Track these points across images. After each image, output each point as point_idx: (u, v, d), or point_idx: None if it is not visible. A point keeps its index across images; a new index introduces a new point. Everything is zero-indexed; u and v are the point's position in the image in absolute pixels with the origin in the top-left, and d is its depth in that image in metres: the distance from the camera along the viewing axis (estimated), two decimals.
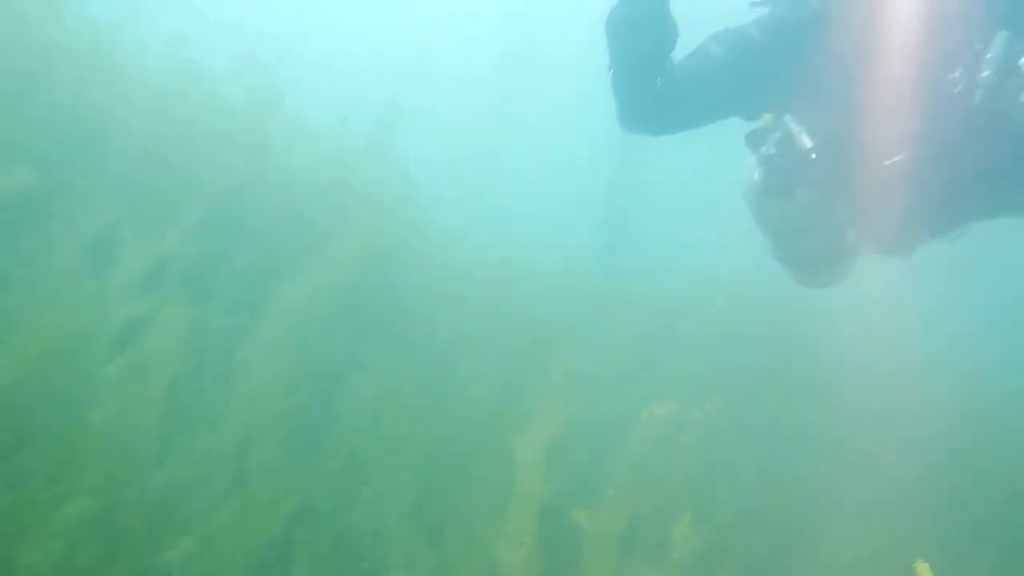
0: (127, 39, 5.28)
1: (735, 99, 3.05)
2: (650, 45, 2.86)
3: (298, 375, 3.57)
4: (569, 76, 16.04)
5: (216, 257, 4.12)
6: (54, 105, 4.22)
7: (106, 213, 3.61)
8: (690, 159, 10.14)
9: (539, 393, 3.99)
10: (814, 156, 2.87)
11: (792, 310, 5.86)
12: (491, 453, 3.80)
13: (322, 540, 3.27)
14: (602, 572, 3.21)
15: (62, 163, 3.96)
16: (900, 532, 4.25)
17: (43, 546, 2.48)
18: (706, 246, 9.35)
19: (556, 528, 3.33)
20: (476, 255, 6.33)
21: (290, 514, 3.23)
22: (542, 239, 7.87)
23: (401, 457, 3.59)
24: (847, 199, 3.09)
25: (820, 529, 4.48)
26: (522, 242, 6.86)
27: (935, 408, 5.19)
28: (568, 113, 15.72)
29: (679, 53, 2.98)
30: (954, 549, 4.35)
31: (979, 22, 2.68)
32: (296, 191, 5.09)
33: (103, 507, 2.68)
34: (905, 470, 4.80)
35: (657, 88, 2.90)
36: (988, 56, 2.63)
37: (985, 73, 2.63)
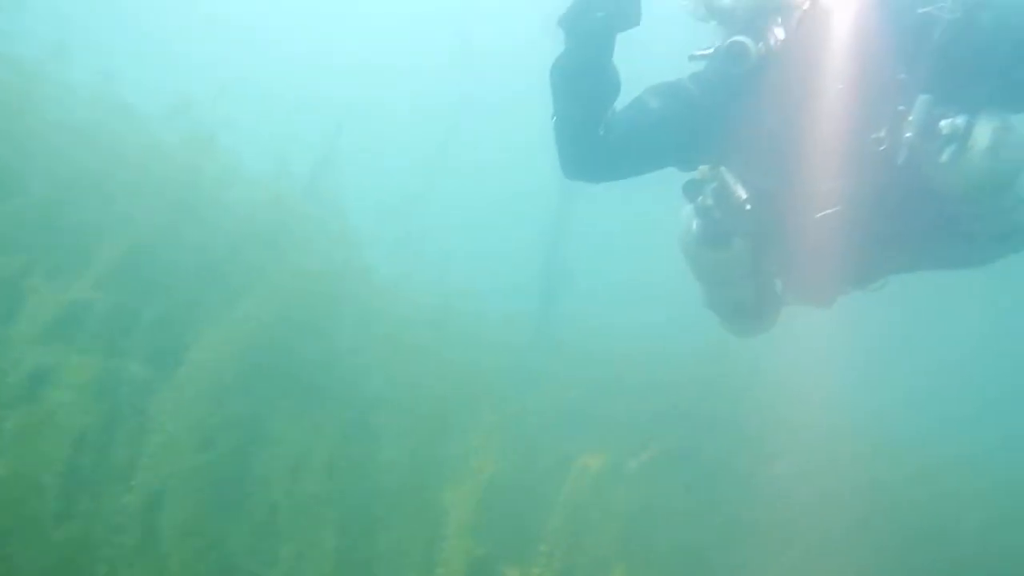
0: (50, 79, 5.10)
1: (672, 150, 3.07)
2: (593, 94, 2.89)
3: (215, 427, 3.42)
4: (511, 123, 16.24)
5: (133, 304, 3.95)
6: None
7: (15, 259, 3.43)
8: (628, 207, 10.26)
9: (472, 444, 3.91)
10: (748, 207, 2.91)
11: (727, 360, 5.91)
12: (419, 507, 3.70)
13: None
14: None
15: None
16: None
17: None
18: (643, 294, 9.43)
19: None
20: (414, 299, 6.25)
21: (206, 574, 3.06)
22: (482, 284, 7.82)
23: (323, 513, 3.45)
24: (777, 250, 3.14)
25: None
26: (461, 287, 6.80)
27: (862, 462, 5.26)
28: (509, 159, 15.87)
29: (620, 103, 3.01)
30: None
31: (901, 85, 2.74)
32: (226, 233, 4.96)
33: None
34: (834, 518, 4.83)
35: (599, 137, 2.93)
36: (911, 118, 2.69)
37: (908, 134, 2.68)
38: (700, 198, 3.00)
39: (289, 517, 3.50)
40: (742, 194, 2.91)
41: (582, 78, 2.86)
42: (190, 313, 4.04)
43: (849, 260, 3.06)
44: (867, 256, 3.06)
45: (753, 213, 2.91)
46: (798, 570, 4.38)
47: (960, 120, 2.61)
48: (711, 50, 2.80)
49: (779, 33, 2.69)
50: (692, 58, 2.91)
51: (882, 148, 2.74)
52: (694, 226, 3.04)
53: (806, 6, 2.70)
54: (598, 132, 2.92)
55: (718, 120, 2.96)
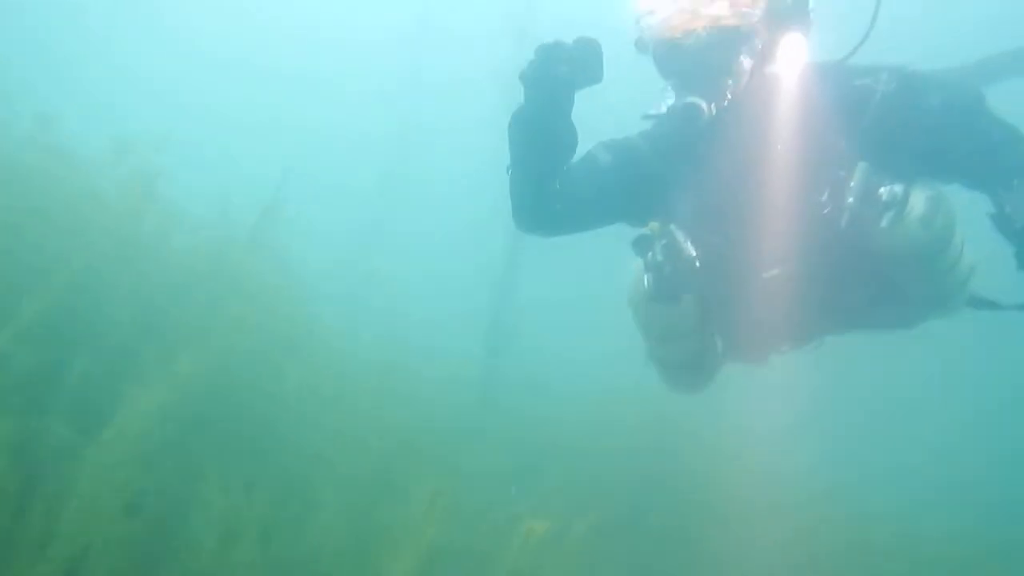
0: None
1: (622, 205, 3.11)
2: (551, 148, 2.92)
3: (142, 491, 3.23)
4: (459, 182, 16.34)
5: (59, 359, 3.76)
6: None
7: None
8: (574, 264, 10.31)
9: (414, 507, 3.79)
10: (698, 265, 2.93)
11: (676, 424, 5.90)
12: (358, 574, 3.55)
13: None
14: None
15: None
16: None
17: None
18: (589, 351, 9.42)
19: None
20: (358, 354, 6.13)
21: None
22: (426, 341, 7.72)
23: None
24: (723, 308, 3.16)
25: None
26: (407, 341, 6.70)
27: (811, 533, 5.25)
28: (455, 215, 15.93)
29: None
30: None
31: (842, 151, 2.82)
32: (164, 284, 4.79)
33: None
34: None
35: (555, 190, 2.93)
36: (852, 184, 2.76)
37: (850, 199, 2.75)
38: (650, 254, 3.00)
39: None
40: (691, 251, 2.94)
41: (541, 132, 2.89)
42: (121, 369, 3.85)
43: (791, 320, 3.11)
44: (808, 316, 3.11)
45: (702, 271, 2.92)
46: None
47: (898, 188, 2.69)
48: (664, 109, 2.82)
49: (730, 96, 2.74)
50: (646, 117, 2.94)
51: (825, 211, 2.81)
52: (645, 282, 3.04)
53: (756, 71, 2.77)
54: (554, 185, 2.95)
55: (667, 178, 3.03)
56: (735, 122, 2.80)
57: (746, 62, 2.75)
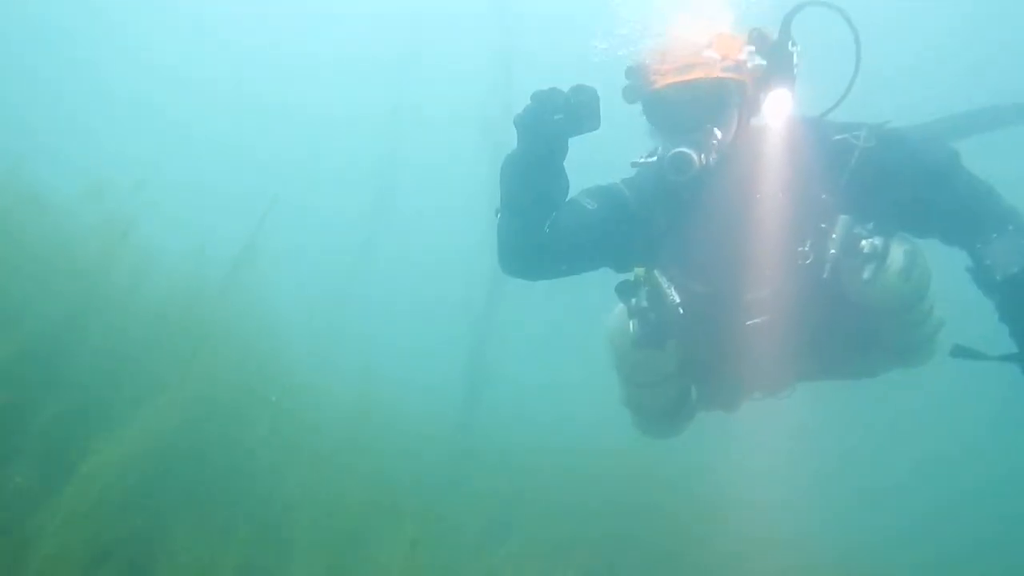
0: None
1: (607, 251, 3.11)
2: (542, 194, 2.91)
3: (104, 545, 3.13)
4: (438, 221, 16.36)
5: (23, 407, 3.66)
6: None
7: None
8: (554, 307, 10.33)
9: (390, 557, 3.72)
10: (681, 311, 2.94)
11: (655, 478, 5.85)
12: None
13: None
14: None
15: None
16: None
17: None
18: (566, 395, 9.39)
19: None
20: (334, 398, 6.04)
21: None
22: (403, 384, 7.64)
23: None
24: (703, 355, 3.16)
25: None
26: (382, 388, 6.60)
27: None
28: (436, 257, 15.91)
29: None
30: None
31: (824, 203, 2.86)
32: (136, 328, 4.70)
33: None
34: None
35: (544, 235, 2.94)
36: (833, 236, 2.81)
37: (832, 251, 2.80)
38: (634, 300, 3.02)
39: None
40: (675, 298, 2.96)
41: (533, 178, 2.88)
42: (91, 414, 3.76)
43: (770, 367, 3.13)
44: (786, 364, 3.14)
45: (685, 317, 2.92)
46: None
47: (878, 241, 2.77)
48: (654, 158, 2.85)
49: (717, 146, 2.78)
50: (634, 164, 2.97)
51: (808, 261, 2.85)
52: (631, 327, 3.04)
53: (742, 124, 2.83)
54: (543, 230, 2.93)
55: (653, 225, 3.03)
56: (721, 172, 2.83)
57: (734, 114, 2.81)
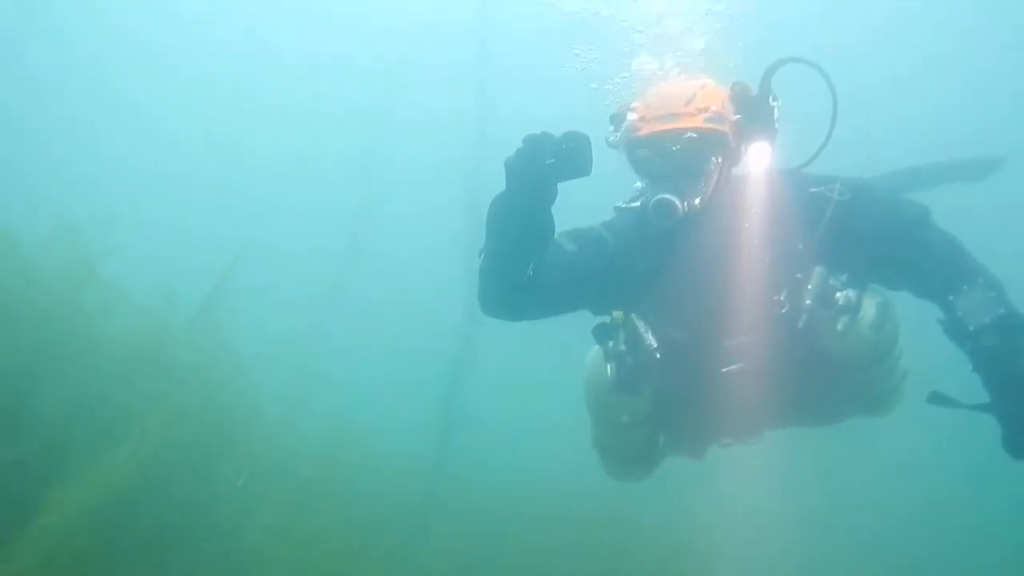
0: None
1: (585, 294, 3.12)
2: (528, 237, 2.89)
3: None
4: (411, 262, 16.32)
5: None
6: None
7: None
8: (529, 349, 10.29)
9: None
10: (658, 356, 2.93)
11: (626, 520, 5.79)
12: None
13: None
14: None
15: None
16: None
17: None
18: (540, 438, 9.32)
19: None
20: (304, 440, 5.95)
21: None
22: (375, 427, 7.53)
23: None
24: (674, 401, 3.15)
25: None
26: (350, 434, 6.49)
27: None
28: (409, 296, 15.84)
29: None
30: None
31: (800, 254, 2.89)
32: (101, 371, 4.60)
33: None
34: None
35: (527, 277, 2.92)
36: (808, 286, 2.84)
37: (807, 301, 2.83)
38: (611, 343, 3.00)
39: None
40: (652, 342, 2.95)
41: (520, 221, 2.85)
42: (51, 461, 3.64)
43: (741, 414, 3.13)
44: (757, 411, 3.13)
45: (662, 362, 2.92)
46: None
47: (852, 293, 2.80)
48: (637, 203, 2.86)
49: (699, 195, 2.81)
50: (617, 208, 2.98)
51: (784, 311, 2.87)
52: (608, 370, 3.02)
53: (724, 174, 2.86)
54: (526, 272, 2.91)
55: (632, 269, 3.03)
56: (702, 220, 2.86)
57: (716, 164, 2.84)
